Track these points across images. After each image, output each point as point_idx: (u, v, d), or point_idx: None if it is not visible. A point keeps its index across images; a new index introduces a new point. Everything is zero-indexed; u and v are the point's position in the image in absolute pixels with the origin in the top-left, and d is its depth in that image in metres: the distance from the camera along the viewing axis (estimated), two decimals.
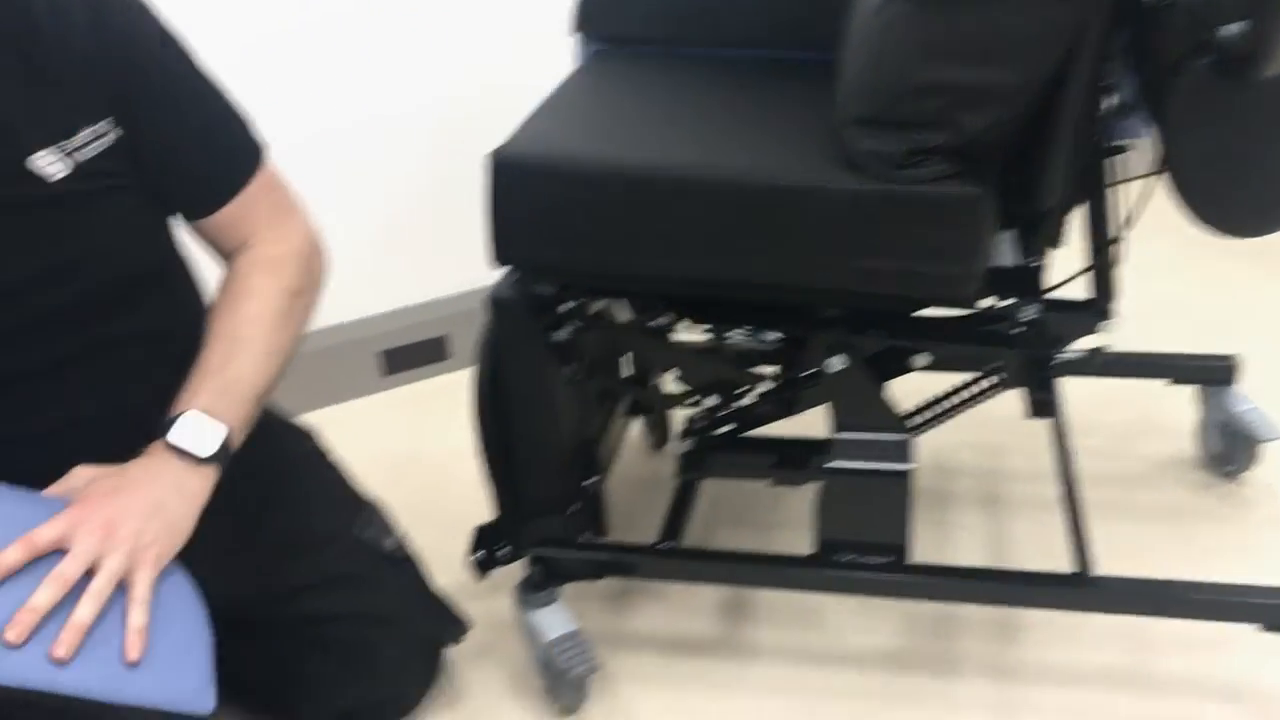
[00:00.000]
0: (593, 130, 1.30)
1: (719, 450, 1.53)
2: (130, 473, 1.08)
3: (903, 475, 1.32)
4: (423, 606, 1.42)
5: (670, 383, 1.51)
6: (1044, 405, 1.24)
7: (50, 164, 1.06)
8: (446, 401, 2.07)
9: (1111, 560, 1.64)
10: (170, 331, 1.22)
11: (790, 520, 1.77)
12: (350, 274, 1.97)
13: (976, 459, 1.88)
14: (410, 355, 2.15)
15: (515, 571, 1.50)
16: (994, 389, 1.42)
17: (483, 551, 1.54)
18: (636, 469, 1.90)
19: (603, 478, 1.53)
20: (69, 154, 1.07)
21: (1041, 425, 1.83)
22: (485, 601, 1.60)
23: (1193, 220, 1.22)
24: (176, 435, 1.09)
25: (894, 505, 1.33)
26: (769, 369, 1.43)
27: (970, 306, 1.26)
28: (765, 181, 1.22)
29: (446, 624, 1.44)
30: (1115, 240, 1.31)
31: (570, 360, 1.42)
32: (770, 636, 1.55)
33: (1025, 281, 1.29)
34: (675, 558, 1.42)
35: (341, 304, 2.03)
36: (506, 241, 1.29)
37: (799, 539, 1.70)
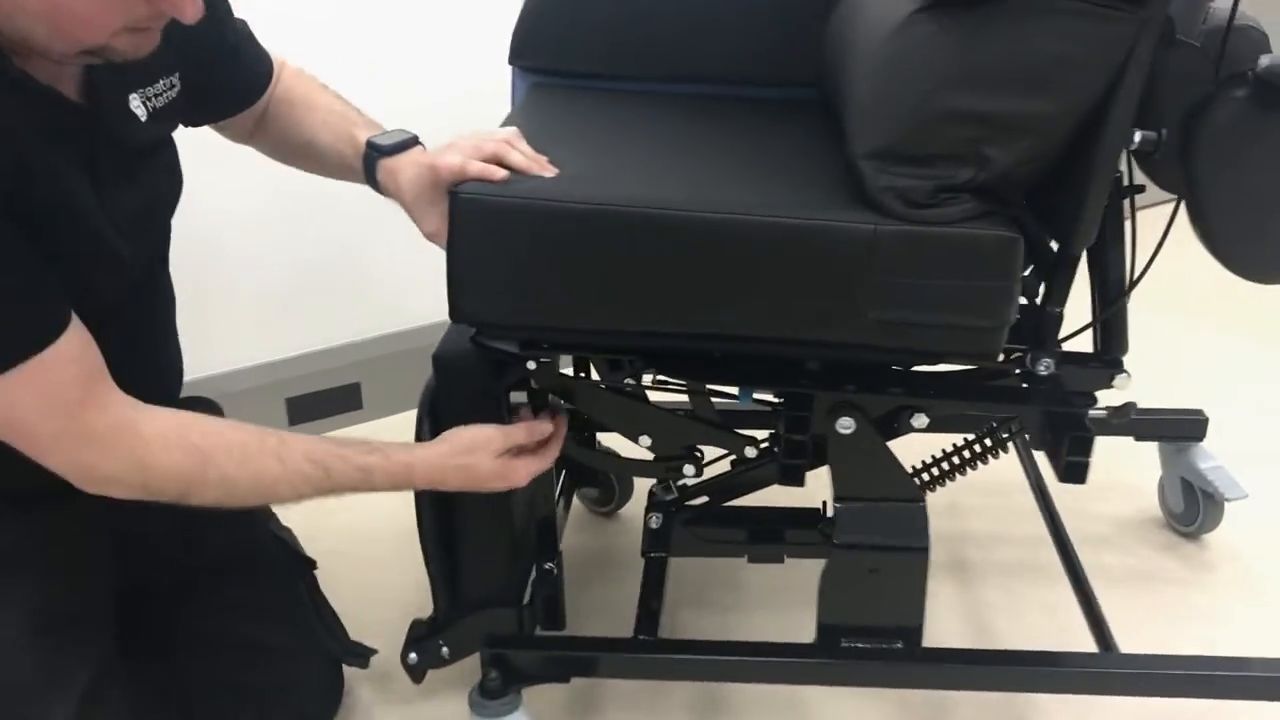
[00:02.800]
0: (560, 168, 1.13)
1: (692, 525, 1.36)
2: None
3: (922, 550, 1.18)
4: (327, 620, 1.38)
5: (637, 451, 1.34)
6: (1077, 470, 1.13)
7: (137, 106, 1.11)
8: None
9: (1079, 627, 1.56)
10: (173, 295, 1.31)
11: (752, 601, 1.61)
12: (255, 315, 1.93)
13: (936, 522, 1.76)
14: (319, 404, 2.00)
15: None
16: (991, 451, 1.31)
17: (416, 652, 1.33)
18: (584, 540, 1.72)
19: (559, 561, 1.35)
20: (148, 99, 1.13)
21: (1001, 485, 1.74)
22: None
23: (1220, 261, 1.14)
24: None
25: (910, 584, 1.19)
26: (753, 433, 1.28)
27: (995, 363, 1.14)
28: (769, 220, 1.07)
29: (349, 641, 1.39)
30: (1133, 285, 1.21)
31: None
32: None
33: (1040, 331, 1.18)
34: (656, 652, 1.24)
35: (244, 347, 1.89)
36: (470, 291, 1.11)
37: (769, 622, 1.56)
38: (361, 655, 1.38)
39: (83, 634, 1.17)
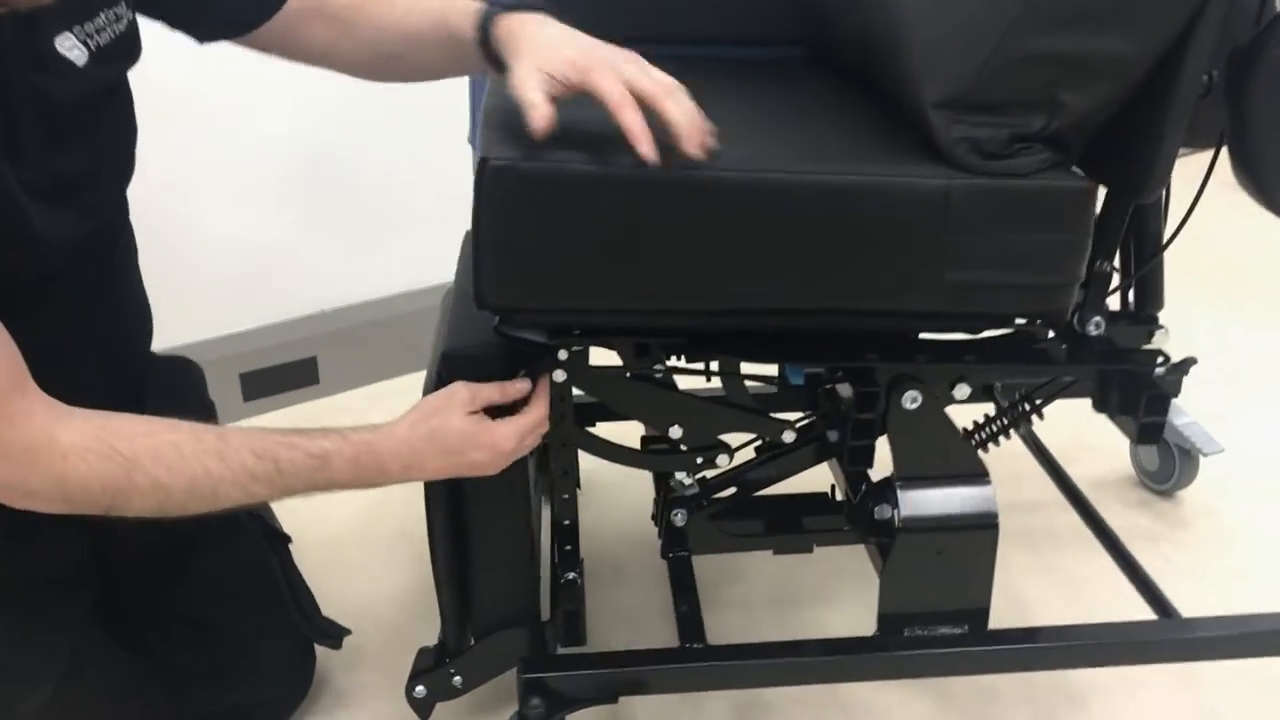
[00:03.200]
0: (580, 136, 1.00)
1: (719, 519, 1.26)
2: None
3: (993, 526, 1.11)
4: (300, 600, 1.30)
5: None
6: (1154, 430, 1.08)
7: (71, 48, 0.96)
8: None
9: (1061, 588, 1.53)
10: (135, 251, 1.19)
11: (755, 596, 1.52)
12: (208, 287, 1.85)
13: None
14: (274, 379, 1.90)
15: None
16: (1027, 417, 1.25)
17: (424, 684, 1.19)
18: None
19: (581, 571, 1.22)
20: (88, 37, 0.98)
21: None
22: None
23: (1267, 205, 1.11)
24: None
25: (979, 563, 1.12)
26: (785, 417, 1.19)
27: (1062, 324, 1.08)
28: (837, 178, 0.98)
29: (322, 621, 1.31)
30: (1172, 239, 1.17)
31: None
32: None
33: (1093, 289, 1.12)
34: (709, 660, 1.12)
35: (197, 321, 1.82)
36: (501, 272, 0.98)
37: (787, 617, 1.49)
38: (334, 636, 1.30)
39: (57, 611, 1.09)
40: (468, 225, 1.63)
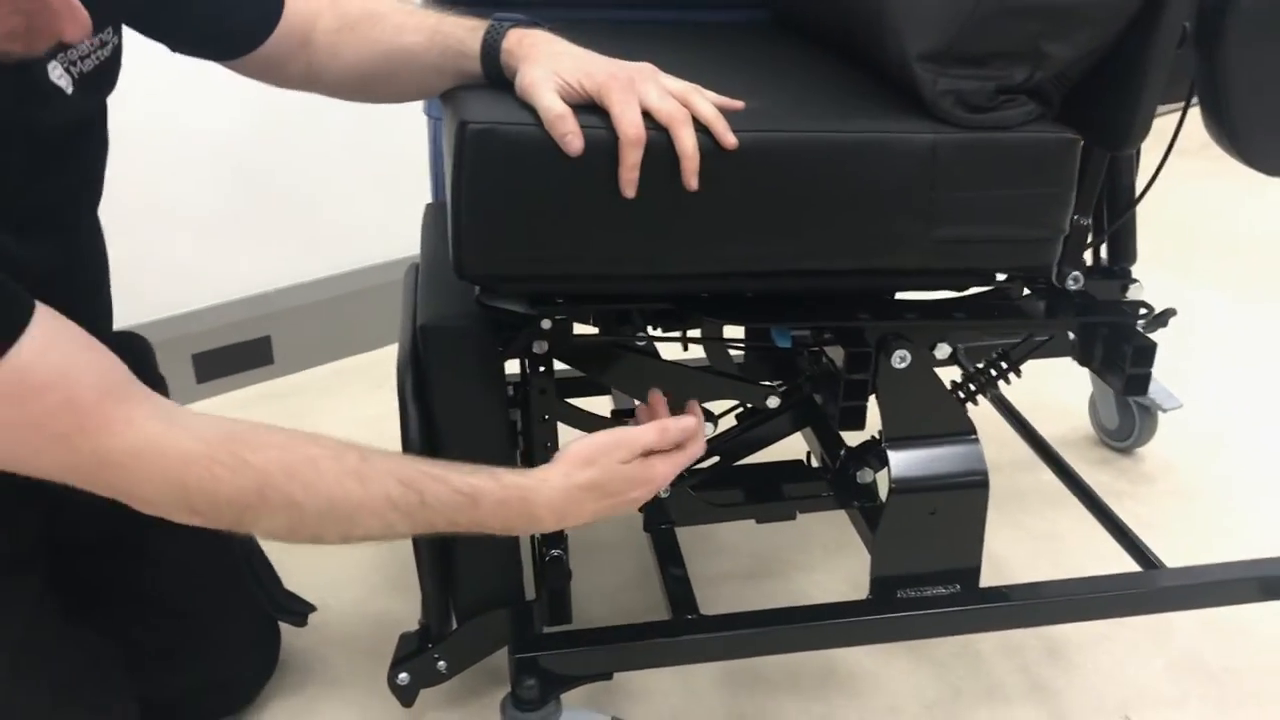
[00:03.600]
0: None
1: (701, 490, 1.24)
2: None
3: (983, 483, 1.10)
4: (262, 577, 1.27)
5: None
6: (1140, 382, 1.08)
7: (60, 77, 0.94)
8: (270, 412, 1.82)
9: (1028, 544, 1.56)
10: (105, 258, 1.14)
11: (732, 569, 1.51)
12: (158, 265, 1.81)
13: None
14: (227, 359, 1.88)
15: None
16: (1004, 376, 1.25)
17: (408, 671, 1.15)
18: None
19: (566, 547, 1.20)
20: (72, 64, 0.95)
21: None
22: None
23: (1239, 157, 1.12)
24: None
25: (971, 521, 1.12)
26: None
27: (1046, 278, 1.08)
28: (824, 135, 0.96)
29: (285, 599, 1.29)
30: (1144, 193, 1.17)
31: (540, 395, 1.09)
32: (796, 709, 1.28)
33: (1071, 243, 1.12)
34: (705, 631, 1.11)
35: (147, 300, 1.77)
36: (483, 239, 0.95)
37: (768, 589, 1.48)
38: (298, 613, 1.28)
39: (2, 593, 1.04)
40: (423, 198, 1.60)
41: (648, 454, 0.98)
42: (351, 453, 0.90)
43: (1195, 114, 1.13)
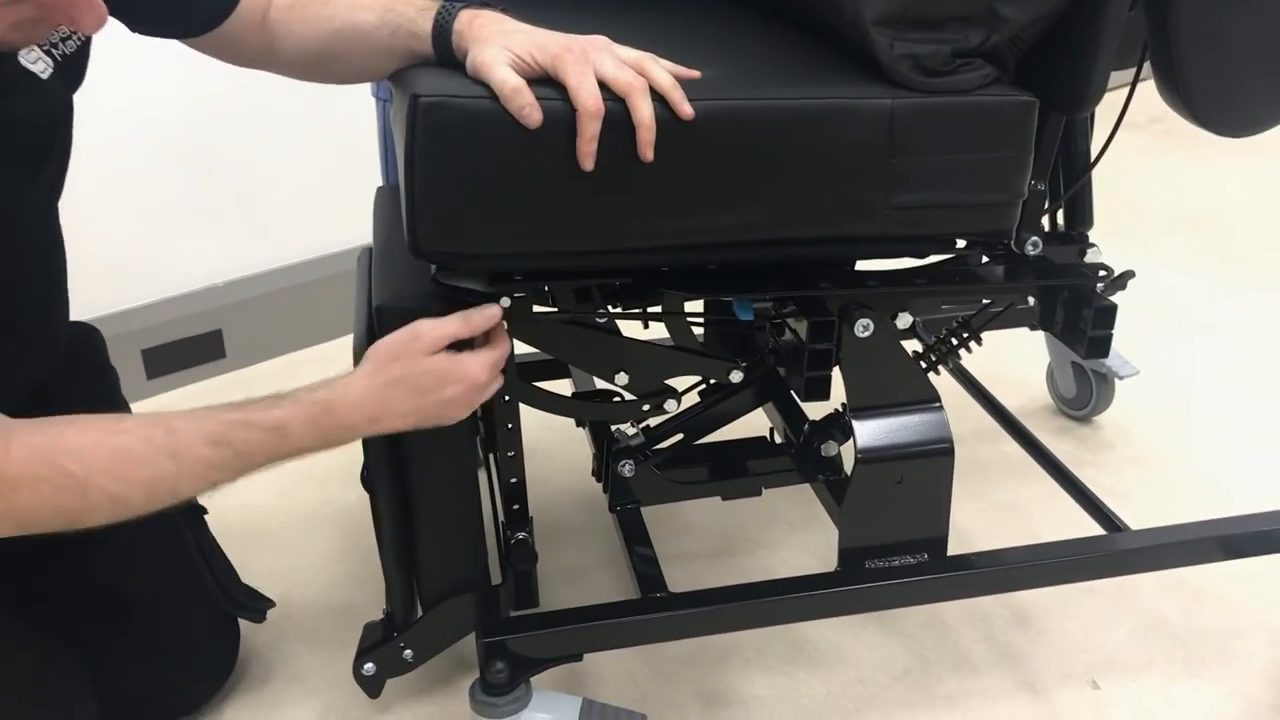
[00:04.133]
0: None
1: (665, 468, 1.23)
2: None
3: (948, 450, 1.10)
4: (219, 574, 1.25)
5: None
6: (1102, 344, 1.08)
7: (35, 61, 0.94)
8: None
9: (991, 515, 1.57)
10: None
11: (696, 549, 1.50)
12: (104, 259, 1.78)
13: None
14: (178, 354, 1.85)
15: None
16: (965, 345, 1.25)
17: (373, 661, 1.13)
18: None
19: (531, 530, 1.18)
20: (53, 48, 0.96)
21: None
22: None
23: (1193, 119, 1.12)
24: None
25: (937, 489, 1.11)
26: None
27: (1006, 242, 1.07)
28: (781, 102, 0.95)
29: (243, 594, 1.27)
30: (1099, 157, 1.18)
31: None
32: (764, 684, 1.27)
33: (1029, 208, 1.12)
34: (675, 609, 1.09)
35: (93, 295, 1.73)
36: (437, 216, 0.93)
37: (733, 566, 1.48)
38: (257, 609, 1.27)
39: None
40: (374, 183, 1.58)
41: (458, 350, 0.98)
42: (157, 429, 0.90)
43: (1143, 88, 1.13)
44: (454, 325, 0.97)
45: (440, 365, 0.96)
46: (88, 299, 1.70)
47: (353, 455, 1.06)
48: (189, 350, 1.84)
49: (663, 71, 0.92)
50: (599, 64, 0.91)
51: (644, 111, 0.89)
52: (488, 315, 0.99)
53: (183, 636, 1.23)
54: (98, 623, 1.17)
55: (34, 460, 0.86)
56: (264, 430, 0.93)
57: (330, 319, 1.93)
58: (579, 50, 0.91)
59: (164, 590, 1.21)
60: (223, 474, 0.93)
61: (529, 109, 0.88)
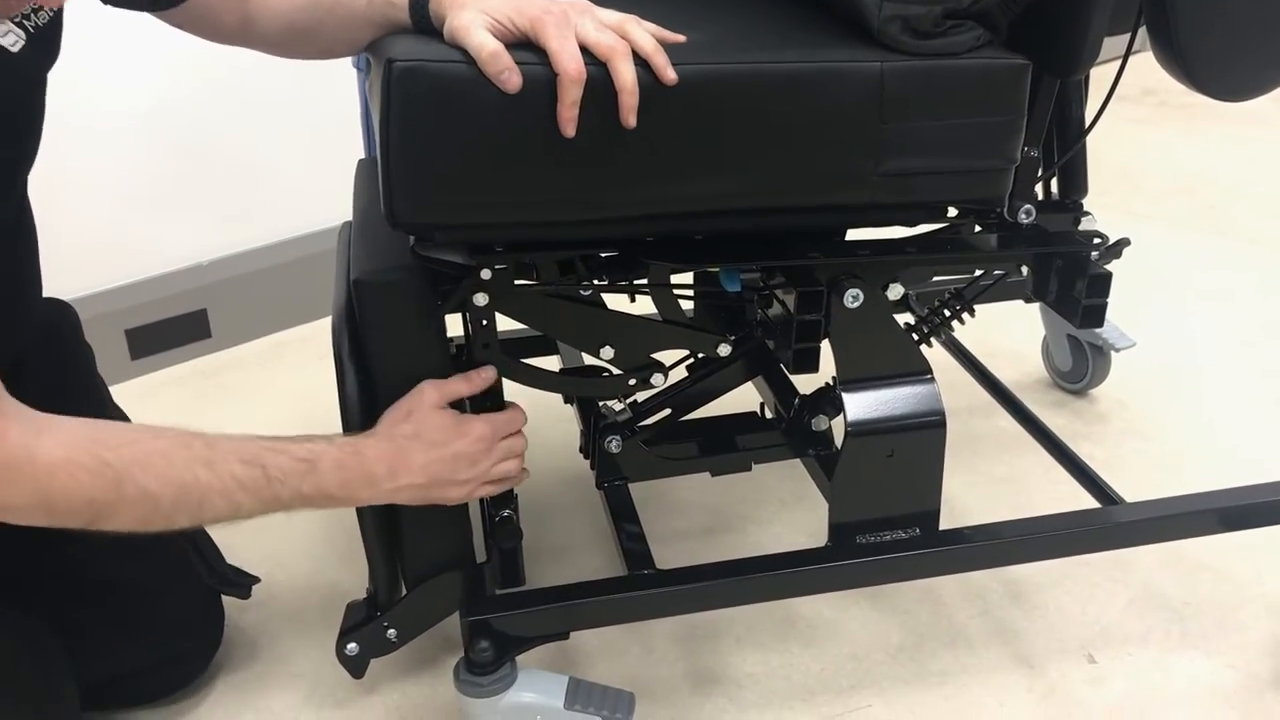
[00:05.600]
0: None
1: (653, 444, 1.21)
2: None
3: (940, 422, 1.08)
4: (204, 551, 1.25)
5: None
6: (1096, 312, 1.06)
7: (6, 34, 0.91)
8: (209, 387, 1.79)
9: (985, 489, 1.56)
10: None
11: (685, 527, 1.49)
12: (87, 238, 1.75)
13: None
14: (163, 334, 1.82)
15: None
16: (958, 315, 1.23)
17: (356, 641, 1.11)
18: None
19: (517, 507, 1.16)
20: (25, 19, 0.93)
21: None
22: None
23: (1189, 82, 1.09)
24: None
25: (929, 462, 1.09)
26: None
27: (1000, 209, 1.05)
28: (770, 66, 0.93)
29: (228, 571, 1.27)
30: (1093, 124, 1.15)
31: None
32: (756, 661, 1.26)
33: (1022, 175, 1.10)
34: (662, 586, 1.07)
35: (77, 274, 1.72)
36: (415, 186, 0.90)
37: (723, 543, 1.46)
38: (241, 585, 1.27)
39: None
40: (355, 157, 1.55)
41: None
42: (197, 439, 0.93)
43: (1136, 60, 1.11)
44: (457, 384, 1.04)
45: (448, 420, 1.02)
46: (71, 278, 1.69)
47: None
48: (174, 330, 1.83)
49: (645, 35, 0.89)
50: (580, 27, 0.88)
51: (626, 76, 0.87)
52: (484, 376, 1.06)
53: (167, 615, 1.22)
54: (76, 601, 1.15)
55: (72, 447, 0.87)
56: (295, 459, 0.95)
57: (317, 298, 1.90)
58: (559, 13, 0.88)
59: (145, 565, 1.19)
60: (249, 497, 0.94)
61: (507, 74, 0.86)
